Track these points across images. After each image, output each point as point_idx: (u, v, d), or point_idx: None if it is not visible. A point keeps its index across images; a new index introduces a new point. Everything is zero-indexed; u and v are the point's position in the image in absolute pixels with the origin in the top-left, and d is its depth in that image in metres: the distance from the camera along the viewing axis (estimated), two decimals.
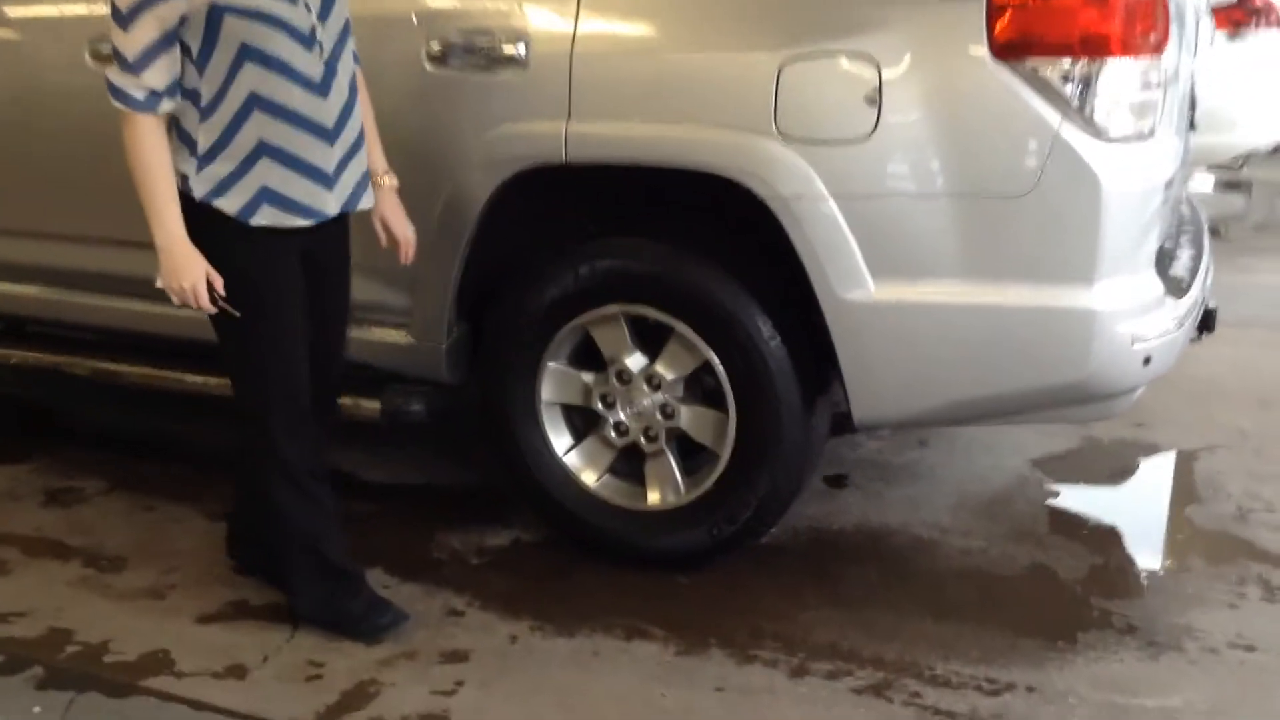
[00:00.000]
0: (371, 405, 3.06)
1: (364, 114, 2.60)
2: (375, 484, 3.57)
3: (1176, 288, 2.68)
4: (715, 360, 2.75)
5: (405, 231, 2.71)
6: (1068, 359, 2.48)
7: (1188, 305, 2.69)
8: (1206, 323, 2.90)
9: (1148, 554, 3.09)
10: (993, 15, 2.37)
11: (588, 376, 2.95)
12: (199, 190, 2.41)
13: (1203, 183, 7.67)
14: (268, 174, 2.41)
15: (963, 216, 2.46)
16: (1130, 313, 2.49)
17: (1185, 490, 3.43)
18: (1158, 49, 2.45)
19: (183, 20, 2.31)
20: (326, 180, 2.47)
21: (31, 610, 2.85)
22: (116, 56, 2.33)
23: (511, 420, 2.98)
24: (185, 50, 2.35)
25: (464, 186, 2.81)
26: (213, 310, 2.44)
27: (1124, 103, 2.41)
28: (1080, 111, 2.38)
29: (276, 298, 2.51)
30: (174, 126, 2.42)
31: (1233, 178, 7.96)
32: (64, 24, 3.26)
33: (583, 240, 2.86)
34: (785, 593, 2.87)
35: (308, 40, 2.38)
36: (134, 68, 2.30)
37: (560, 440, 3.01)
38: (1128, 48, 2.38)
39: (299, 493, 2.63)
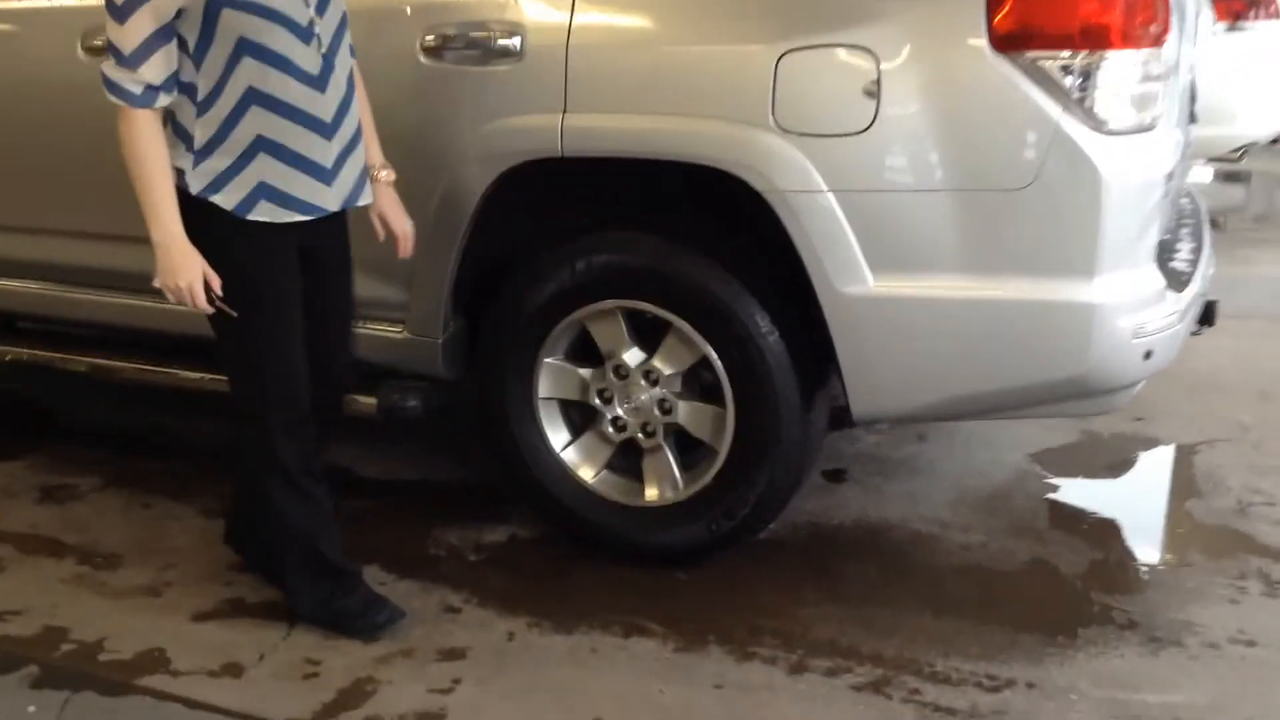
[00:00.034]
0: (368, 401, 3.04)
1: (361, 108, 2.58)
2: (372, 480, 3.55)
3: (1177, 281, 2.67)
4: (713, 355, 2.73)
5: (403, 226, 2.69)
6: (1068, 353, 2.47)
7: (1188, 298, 2.68)
8: (1207, 316, 2.89)
9: (1148, 549, 3.08)
10: (992, 7, 2.35)
11: (585, 372, 2.94)
12: (195, 185, 2.39)
13: (1202, 174, 7.66)
14: (265, 169, 2.39)
15: (962, 210, 2.45)
16: (1131, 306, 2.47)
17: (1185, 484, 3.42)
18: (1158, 40, 2.43)
19: (179, 13, 2.29)
20: (325, 175, 2.45)
21: (26, 608, 2.84)
22: (112, 50, 2.30)
23: (508, 416, 2.97)
24: (181, 44, 2.33)
25: (459, 180, 2.79)
26: (210, 310, 2.41)
27: (1124, 95, 2.39)
28: (1080, 103, 2.36)
29: (274, 294, 2.48)
30: (169, 120, 2.39)
31: (1232, 169, 7.96)
32: (55, 15, 3.24)
33: (579, 235, 2.84)
34: (784, 589, 2.86)
35: (306, 34, 2.36)
36: (130, 62, 2.28)
37: (557, 436, 3.00)
38: (1128, 39, 2.36)
39: (296, 492, 2.62)
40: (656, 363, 2.84)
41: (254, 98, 2.35)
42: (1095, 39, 2.34)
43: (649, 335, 2.86)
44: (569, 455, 2.99)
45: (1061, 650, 2.57)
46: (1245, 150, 7.18)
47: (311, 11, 2.37)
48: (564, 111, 2.65)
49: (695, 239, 2.75)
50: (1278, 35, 6.79)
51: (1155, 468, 3.58)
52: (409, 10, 2.80)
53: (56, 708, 2.46)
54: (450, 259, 2.87)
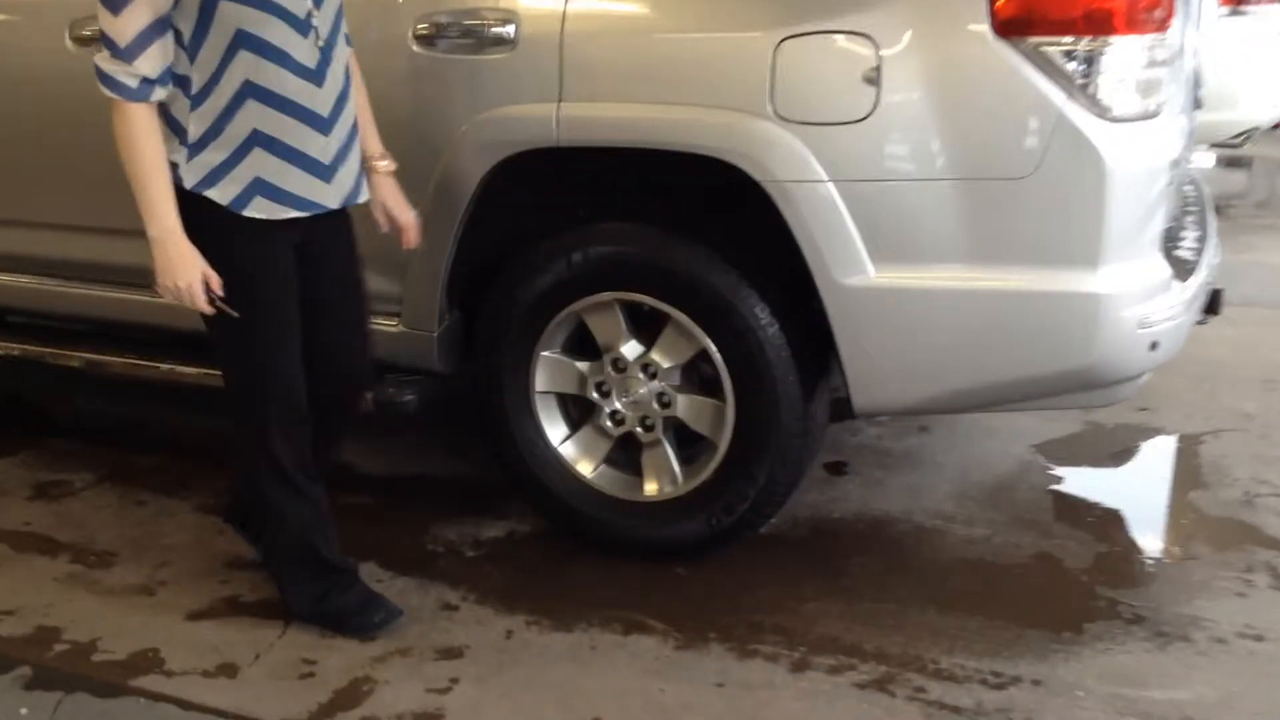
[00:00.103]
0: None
1: (359, 97, 2.55)
2: (368, 475, 3.52)
3: (1183, 270, 2.63)
4: (712, 348, 2.70)
5: (406, 216, 2.65)
6: (1072, 345, 2.43)
7: (1194, 287, 2.64)
8: (1213, 305, 2.85)
9: (1153, 541, 3.05)
10: None
11: (582, 365, 2.90)
12: (189, 179, 2.34)
13: (1204, 160, 7.62)
14: (261, 164, 2.35)
15: (964, 199, 2.41)
16: (1136, 296, 2.43)
17: (1190, 475, 3.39)
18: (1163, 25, 2.39)
19: (175, 4, 2.24)
20: (323, 172, 2.41)
21: (19, 608, 2.82)
22: (106, 42, 2.25)
23: (505, 410, 2.94)
24: (176, 36, 2.28)
25: (454, 171, 2.75)
26: (209, 310, 2.37)
27: (1129, 81, 2.35)
28: (1084, 90, 2.32)
29: (269, 292, 2.44)
30: (162, 114, 2.34)
31: (1234, 155, 7.92)
32: (42, 4, 3.20)
33: (576, 226, 2.80)
34: (786, 584, 2.83)
35: (304, 27, 2.31)
36: (125, 54, 2.23)
37: (555, 430, 2.97)
38: (1132, 24, 2.33)
39: (291, 489, 2.58)
40: (655, 356, 2.81)
41: (250, 91, 2.30)
42: (1099, 24, 2.31)
43: (647, 328, 2.82)
44: (567, 450, 2.96)
45: (1067, 646, 2.54)
46: (1247, 135, 7.15)
47: (309, 4, 2.32)
48: (559, 100, 2.62)
49: (694, 230, 2.71)
50: (1278, 20, 6.76)
51: (1160, 458, 3.54)
52: None
53: (49, 709, 2.43)
54: (445, 251, 2.83)
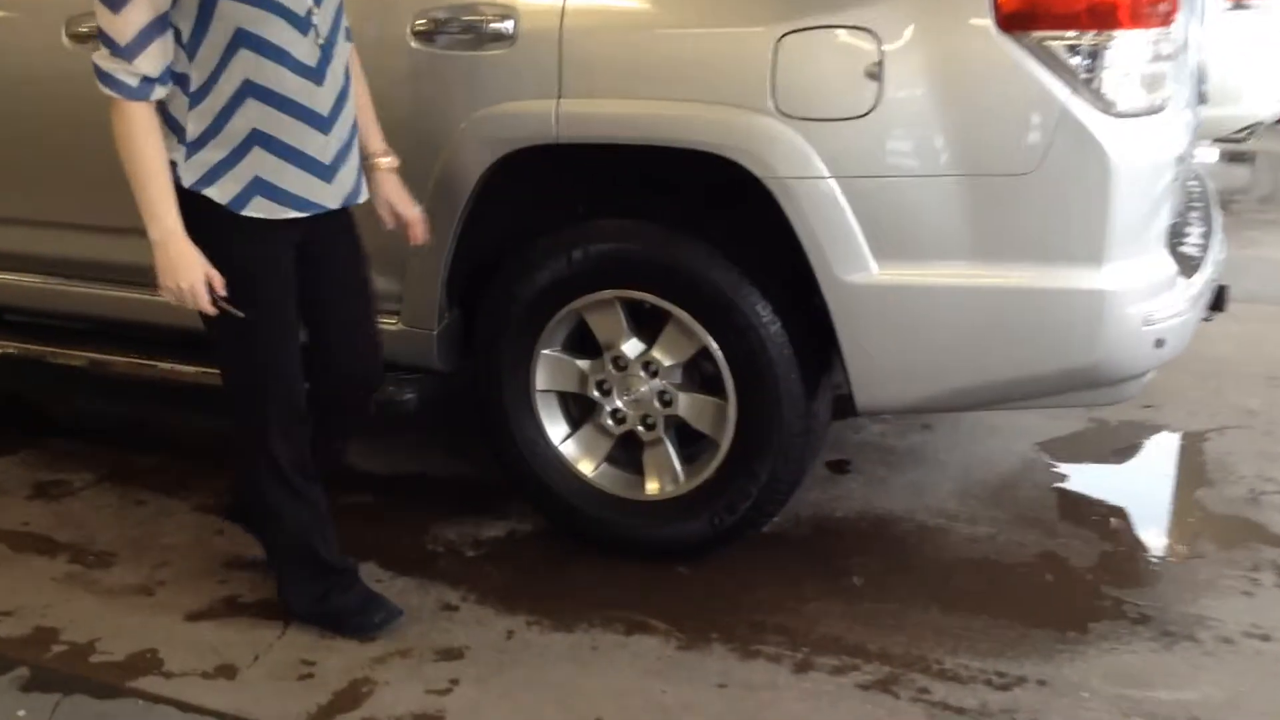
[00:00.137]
0: None
1: (360, 94, 2.53)
2: (368, 474, 3.50)
3: (1188, 266, 2.61)
4: (713, 346, 2.68)
5: (412, 211, 2.63)
6: (1077, 342, 2.41)
7: (1200, 284, 2.62)
8: (1218, 301, 2.83)
9: (1159, 540, 3.03)
10: None
11: (583, 363, 2.89)
12: (188, 178, 2.32)
13: (1207, 155, 7.59)
14: (260, 163, 2.32)
15: (967, 195, 2.39)
16: (1141, 293, 2.41)
17: (1195, 473, 3.37)
18: (1167, 19, 2.37)
19: (174, 2, 2.22)
20: (323, 171, 2.38)
21: (18, 608, 2.80)
22: (105, 40, 2.22)
23: (505, 409, 2.92)
24: (174, 34, 2.26)
25: (453, 168, 2.74)
26: (213, 312, 2.34)
27: (1133, 75, 2.33)
28: (1088, 85, 2.30)
29: (269, 291, 2.41)
30: (160, 111, 2.31)
31: (1237, 150, 7.89)
32: (39, 1, 3.17)
33: (576, 222, 2.78)
34: (788, 584, 2.81)
35: (304, 24, 2.29)
36: (126, 53, 2.20)
37: (556, 429, 2.95)
38: (1137, 18, 2.31)
39: (290, 491, 2.57)
40: (656, 354, 2.79)
41: (250, 90, 2.28)
42: (1103, 18, 2.29)
43: (648, 325, 2.81)
44: (568, 448, 2.95)
45: (1072, 646, 2.53)
46: (1251, 130, 7.13)
47: (310, 1, 2.30)
48: (559, 97, 2.60)
49: (695, 227, 2.69)
50: None
51: (1164, 456, 3.52)
52: None
53: (47, 711, 2.42)
54: (445, 249, 2.81)
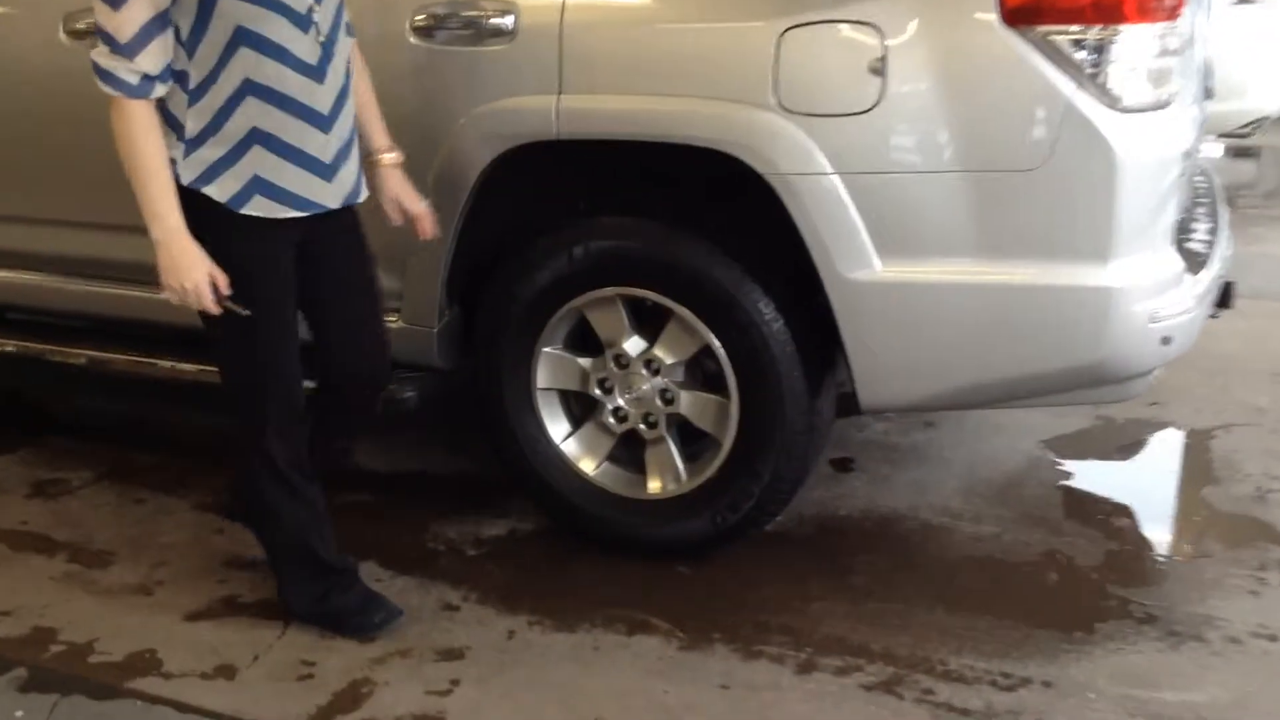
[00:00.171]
0: None
1: (364, 89, 2.51)
2: (368, 472, 3.49)
3: (1194, 263, 2.59)
4: (716, 343, 2.66)
5: (418, 206, 2.61)
6: (1083, 340, 2.39)
7: (1206, 281, 2.59)
8: (1225, 298, 2.80)
9: (1165, 538, 3.00)
10: None
11: (584, 361, 2.87)
12: (186, 176, 2.30)
13: (1212, 150, 7.56)
14: (260, 162, 2.30)
15: (972, 191, 2.37)
16: (1148, 290, 2.39)
17: (1202, 471, 3.34)
18: (1174, 13, 2.35)
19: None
20: (324, 171, 2.36)
21: (16, 609, 2.79)
22: (104, 38, 2.20)
23: (506, 407, 2.90)
24: (174, 31, 2.23)
25: (453, 165, 2.72)
26: (217, 311, 2.31)
27: (1139, 70, 2.31)
28: (1094, 80, 2.28)
29: (268, 290, 2.39)
30: (158, 108, 2.29)
31: (1243, 145, 7.86)
32: None
33: (577, 219, 2.76)
34: (791, 583, 2.79)
35: (304, 22, 2.26)
36: (126, 50, 2.18)
37: (557, 427, 2.93)
38: (1143, 12, 2.28)
39: (288, 491, 2.55)
40: (658, 351, 2.77)
41: (249, 89, 2.26)
42: (1109, 12, 2.26)
43: (650, 323, 2.78)
44: (569, 447, 2.93)
45: (1078, 646, 2.50)
46: (1256, 125, 7.10)
47: None
48: (559, 93, 2.58)
49: (696, 224, 2.67)
50: None
51: (1171, 454, 3.50)
52: None
53: (45, 711, 2.41)
54: (445, 246, 2.79)
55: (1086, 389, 2.52)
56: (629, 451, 2.93)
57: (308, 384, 2.59)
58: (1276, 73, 6.74)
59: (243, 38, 2.22)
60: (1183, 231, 2.68)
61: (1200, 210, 3.02)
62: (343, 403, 2.67)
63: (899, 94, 2.34)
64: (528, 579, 2.86)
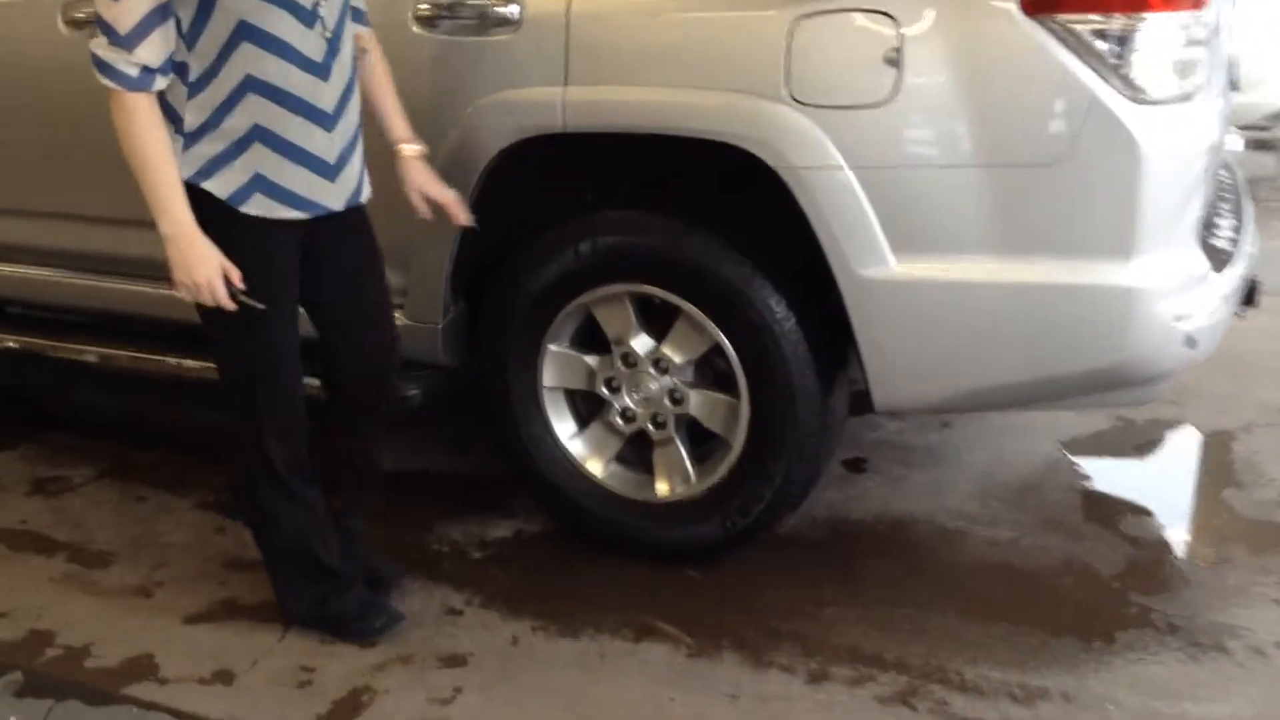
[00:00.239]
0: None
1: (382, 79, 2.47)
2: None
3: (1219, 260, 2.51)
4: (725, 342, 2.60)
5: (446, 194, 2.54)
6: (1104, 341, 2.32)
7: (1232, 279, 2.52)
8: (1250, 296, 2.72)
9: (1187, 544, 2.92)
10: None
11: (591, 359, 2.81)
12: (186, 170, 2.23)
13: (1233, 143, 7.45)
14: (262, 160, 2.24)
15: (990, 187, 2.30)
16: (1172, 289, 2.32)
17: (1224, 473, 3.26)
18: (1199, 2, 2.27)
19: None
20: (326, 170, 2.30)
21: (12, 610, 2.76)
22: (104, 28, 2.14)
23: (512, 406, 2.85)
24: (175, 22, 2.17)
25: (457, 158, 2.66)
26: (232, 306, 2.25)
27: (1165, 61, 2.24)
28: (1117, 71, 2.21)
29: (267, 289, 2.32)
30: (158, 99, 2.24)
31: (1263, 138, 7.76)
32: None
33: (584, 212, 2.70)
34: (802, 588, 2.73)
35: (309, 17, 2.20)
36: (126, 42, 2.12)
37: (564, 427, 2.88)
38: (1168, 0, 2.20)
39: (286, 494, 2.50)
40: (666, 350, 2.71)
41: (251, 85, 2.20)
42: (1133, 0, 2.18)
43: (659, 321, 2.73)
44: (576, 447, 2.88)
45: (1097, 656, 2.44)
46: (1278, 117, 7.00)
47: None
48: (565, 84, 2.52)
49: (706, 219, 2.61)
50: None
51: (1191, 456, 3.41)
52: None
53: (39, 717, 2.38)
54: (449, 241, 2.74)
55: (1107, 391, 2.45)
56: (637, 452, 2.87)
57: (311, 382, 2.54)
58: None
59: (245, 32, 2.16)
60: (1207, 228, 2.61)
61: (1225, 206, 2.95)
62: (347, 402, 2.61)
63: (915, 85, 2.27)
64: (533, 582, 2.81)
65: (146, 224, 2.25)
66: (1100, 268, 2.28)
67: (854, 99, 2.32)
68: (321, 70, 2.25)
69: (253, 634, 2.62)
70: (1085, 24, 2.20)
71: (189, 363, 3.17)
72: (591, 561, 2.86)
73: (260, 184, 2.26)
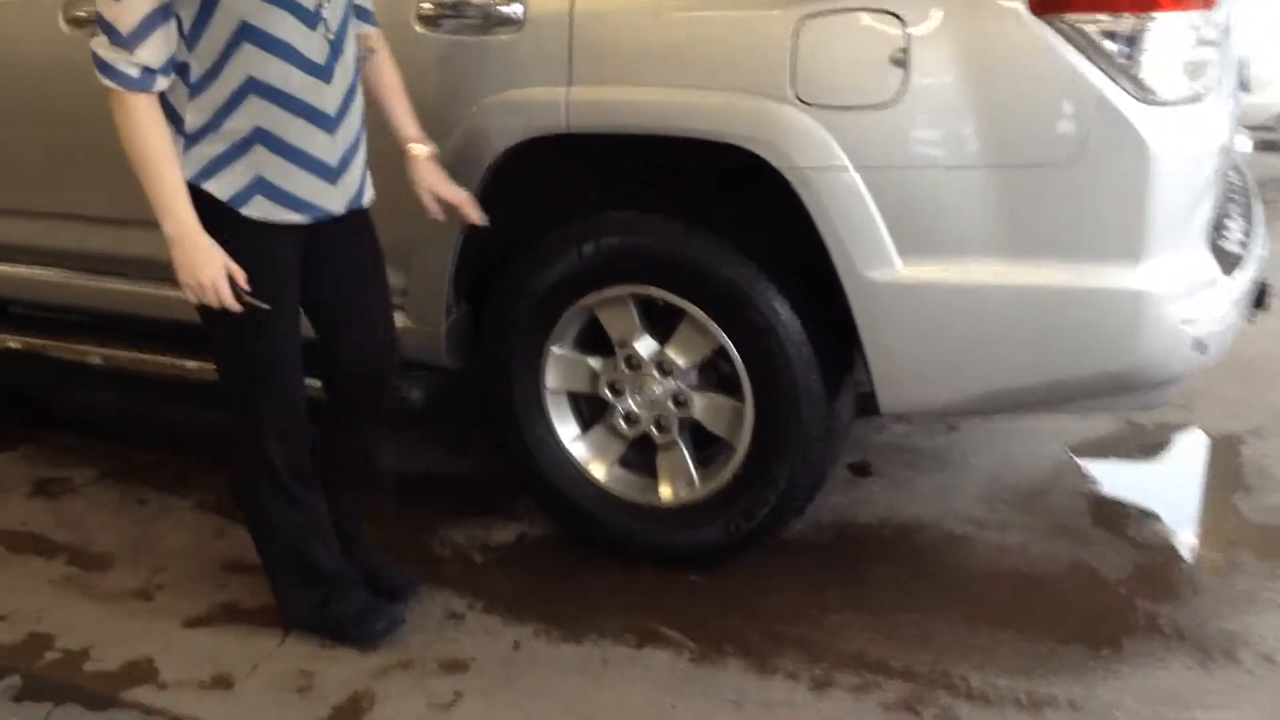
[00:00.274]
0: None
1: (390, 79, 2.45)
2: None
3: (1229, 263, 2.48)
4: (729, 345, 2.58)
5: (458, 194, 2.52)
6: (1113, 344, 2.29)
7: (1242, 283, 2.49)
8: (1261, 300, 2.69)
9: (1195, 549, 2.89)
10: None
11: (595, 362, 2.79)
12: (187, 171, 2.21)
13: (1241, 144, 7.42)
14: (264, 163, 2.22)
15: (998, 188, 2.27)
16: (1181, 293, 2.29)
17: (1233, 478, 3.23)
18: (1209, 1, 2.24)
19: None
20: (328, 173, 2.28)
21: (12, 613, 2.75)
22: (105, 28, 2.12)
23: (514, 408, 2.83)
24: (176, 22, 2.15)
25: (460, 159, 2.63)
26: (237, 307, 2.23)
27: (1174, 61, 2.21)
28: (1126, 71, 2.18)
29: (267, 290, 2.29)
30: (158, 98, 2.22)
31: (1271, 139, 7.72)
32: None
33: (588, 212, 2.68)
34: (807, 593, 2.71)
35: (312, 19, 2.19)
36: (127, 42, 2.10)
37: (566, 430, 2.86)
38: (1178, 0, 2.17)
39: (286, 497, 2.48)
40: (670, 353, 2.69)
41: (252, 87, 2.18)
42: (1142, 0, 2.15)
43: (663, 323, 2.70)
44: (578, 451, 2.85)
45: (1106, 664, 2.41)
46: None
47: None
48: (569, 84, 2.49)
49: (710, 220, 2.58)
50: None
51: (1200, 460, 3.38)
52: None
53: None
54: (452, 242, 2.72)
55: (1115, 396, 2.42)
56: (640, 456, 2.85)
57: (312, 383, 2.52)
58: None
59: (247, 34, 2.14)
60: (1217, 231, 2.58)
61: (1234, 208, 2.91)
62: (347, 402, 2.59)
63: (921, 86, 2.25)
64: (535, 586, 2.79)
65: (147, 224, 2.23)
66: (1109, 271, 2.25)
67: (860, 99, 2.29)
68: (324, 72, 2.23)
69: (253, 638, 2.61)
70: (1094, 24, 2.17)
71: (189, 363, 3.15)
72: (594, 566, 2.84)
73: (261, 186, 2.24)
